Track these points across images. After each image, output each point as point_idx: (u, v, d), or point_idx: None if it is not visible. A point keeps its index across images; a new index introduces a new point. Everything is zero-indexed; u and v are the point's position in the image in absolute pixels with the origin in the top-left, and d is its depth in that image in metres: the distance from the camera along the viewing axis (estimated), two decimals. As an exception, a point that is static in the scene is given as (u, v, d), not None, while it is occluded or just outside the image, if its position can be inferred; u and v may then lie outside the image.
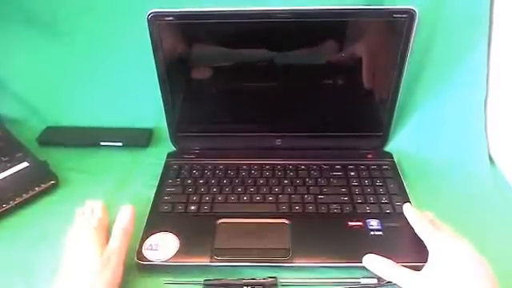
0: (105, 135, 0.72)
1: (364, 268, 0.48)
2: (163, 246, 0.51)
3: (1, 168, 0.62)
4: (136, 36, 0.60)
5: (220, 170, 0.64)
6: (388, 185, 0.60)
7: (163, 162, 0.66)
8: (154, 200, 0.59)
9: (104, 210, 0.54)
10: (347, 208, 0.57)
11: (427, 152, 0.68)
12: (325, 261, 0.50)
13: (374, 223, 0.54)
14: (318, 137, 0.67)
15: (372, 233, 0.53)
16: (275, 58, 0.59)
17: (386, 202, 0.57)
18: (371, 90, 0.63)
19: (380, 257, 0.48)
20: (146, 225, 0.54)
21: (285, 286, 0.49)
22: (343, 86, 0.62)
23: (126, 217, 0.51)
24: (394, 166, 0.64)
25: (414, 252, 0.49)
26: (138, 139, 0.72)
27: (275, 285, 0.48)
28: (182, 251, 0.51)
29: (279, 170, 0.63)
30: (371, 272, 0.48)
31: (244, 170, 0.63)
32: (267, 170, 0.63)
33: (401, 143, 0.69)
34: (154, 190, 0.60)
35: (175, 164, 0.65)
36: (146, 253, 0.50)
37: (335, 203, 0.57)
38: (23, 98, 0.74)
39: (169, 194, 0.59)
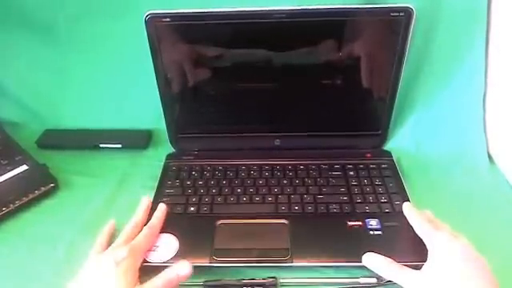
0: (104, 137, 0.72)
1: (364, 268, 0.48)
2: (163, 247, 0.51)
3: (0, 171, 0.62)
4: (134, 38, 0.60)
5: (219, 170, 0.64)
6: (387, 184, 0.60)
7: (162, 164, 0.66)
8: (153, 201, 0.58)
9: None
10: (346, 208, 0.57)
11: (426, 150, 0.68)
12: (324, 260, 0.50)
13: (373, 223, 0.54)
14: (316, 136, 0.67)
15: (371, 232, 0.53)
16: (273, 58, 0.59)
17: (385, 202, 0.57)
18: (369, 88, 0.63)
19: (379, 255, 0.48)
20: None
21: (284, 285, 0.49)
22: (341, 85, 0.62)
23: (184, 272, 0.46)
24: (393, 165, 0.64)
25: (414, 251, 0.49)
26: (137, 141, 0.72)
27: (275, 285, 0.48)
28: (182, 252, 0.51)
29: (278, 171, 0.63)
30: (371, 271, 0.48)
31: (243, 170, 0.63)
32: (266, 170, 0.63)
33: (400, 142, 0.69)
34: (154, 192, 0.60)
35: (174, 165, 0.65)
36: (146, 254, 0.50)
37: (334, 203, 0.57)
38: (22, 100, 0.74)
39: (168, 195, 0.59)
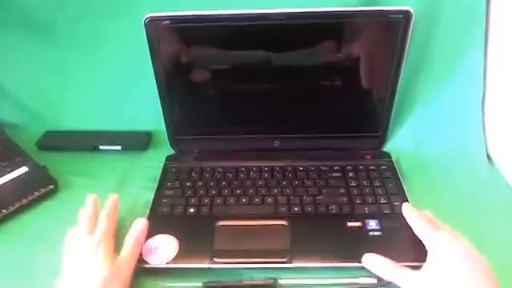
0: (104, 139, 0.72)
1: (363, 268, 0.48)
2: (163, 249, 0.51)
3: (0, 173, 0.62)
4: (134, 39, 0.60)
5: (219, 172, 0.64)
6: (386, 185, 0.60)
7: (162, 165, 0.66)
8: (153, 203, 0.59)
9: (110, 217, 0.53)
10: (346, 209, 0.57)
11: (425, 151, 0.68)
12: (324, 261, 0.50)
13: (372, 223, 0.54)
14: (316, 138, 0.67)
15: (371, 233, 0.53)
16: (272, 59, 0.60)
17: (384, 203, 0.57)
18: (369, 90, 0.63)
19: (379, 256, 0.48)
20: (146, 228, 0.54)
21: (284, 287, 0.49)
22: (341, 86, 0.63)
23: (139, 228, 0.51)
24: (392, 166, 0.64)
25: (413, 252, 0.49)
26: (137, 143, 0.72)
27: (275, 286, 0.48)
28: (182, 253, 0.51)
29: (278, 172, 0.63)
30: (371, 272, 0.48)
31: (242, 172, 0.63)
32: (266, 171, 0.63)
33: (399, 143, 0.69)
34: (153, 193, 0.60)
35: (174, 167, 0.65)
36: (146, 255, 0.50)
37: (334, 204, 0.57)
38: (22, 102, 0.74)
39: (168, 197, 0.59)
